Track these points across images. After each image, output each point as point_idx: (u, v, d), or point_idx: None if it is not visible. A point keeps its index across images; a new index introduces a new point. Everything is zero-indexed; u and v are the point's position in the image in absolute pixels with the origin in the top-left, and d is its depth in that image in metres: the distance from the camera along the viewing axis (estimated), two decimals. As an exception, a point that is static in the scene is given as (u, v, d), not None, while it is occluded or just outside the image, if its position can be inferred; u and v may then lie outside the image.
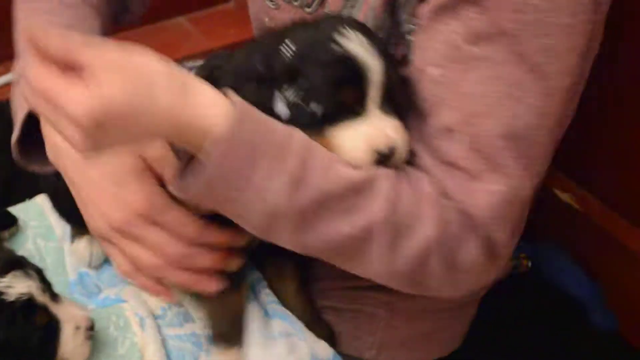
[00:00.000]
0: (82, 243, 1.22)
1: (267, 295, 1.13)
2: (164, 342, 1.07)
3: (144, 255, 1.01)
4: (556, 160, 1.18)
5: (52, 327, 1.01)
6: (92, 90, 0.74)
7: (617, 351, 1.62)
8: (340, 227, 0.90)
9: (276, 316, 1.10)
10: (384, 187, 0.91)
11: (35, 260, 1.15)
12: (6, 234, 1.23)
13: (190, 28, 1.99)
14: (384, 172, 0.92)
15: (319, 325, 1.16)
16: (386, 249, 0.91)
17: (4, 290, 0.97)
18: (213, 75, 0.94)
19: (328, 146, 0.91)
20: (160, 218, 0.98)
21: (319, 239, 0.91)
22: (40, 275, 1.02)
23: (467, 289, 1.00)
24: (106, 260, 1.20)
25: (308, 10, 1.10)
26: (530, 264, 1.67)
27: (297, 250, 0.94)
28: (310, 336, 1.12)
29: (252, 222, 0.90)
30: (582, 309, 1.68)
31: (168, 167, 0.91)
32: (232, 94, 0.87)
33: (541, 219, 1.50)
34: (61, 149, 1.03)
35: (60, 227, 1.25)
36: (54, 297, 1.03)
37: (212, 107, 0.85)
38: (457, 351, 1.29)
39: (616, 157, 1.58)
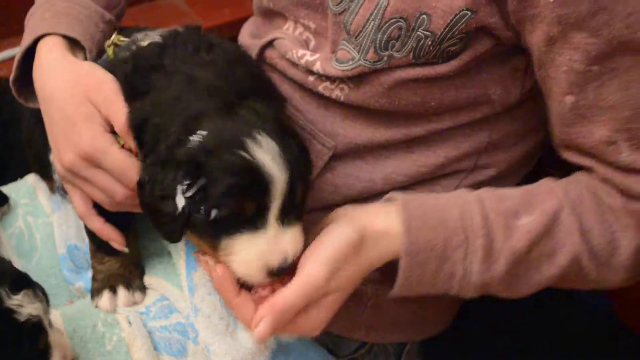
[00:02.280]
0: None
1: None
2: (151, 335, 1.07)
3: (97, 194, 1.03)
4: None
5: (45, 352, 0.98)
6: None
7: (608, 327, 1.62)
8: (550, 271, 0.98)
9: None
10: (570, 220, 0.97)
11: (25, 237, 1.16)
12: (-2, 213, 1.24)
13: (185, 8, 1.98)
14: (563, 203, 0.98)
15: None
16: (599, 269, 0.99)
17: (16, 309, 0.94)
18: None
19: (221, 259, 0.92)
20: (103, 161, 0.99)
21: (533, 285, 1.00)
22: (44, 294, 1.00)
23: None
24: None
25: None
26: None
27: (517, 297, 1.02)
28: None
29: (468, 296, 1.00)
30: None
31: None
32: (398, 202, 0.96)
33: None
34: (45, 96, 1.06)
35: (50, 204, 1.26)
36: (50, 324, 1.01)
37: (387, 234, 0.95)
38: (448, 331, 1.29)
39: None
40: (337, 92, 1.08)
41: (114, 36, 1.08)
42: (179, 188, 0.87)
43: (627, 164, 0.97)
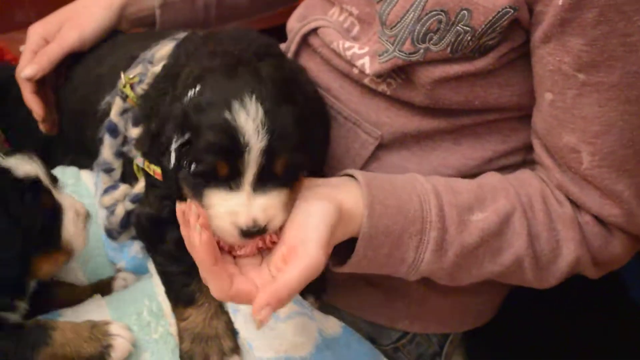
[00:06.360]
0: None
1: None
2: None
3: None
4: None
5: (55, 211, 1.04)
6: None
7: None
8: (491, 267, 1.01)
9: None
10: (521, 223, 0.99)
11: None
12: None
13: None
14: (517, 206, 1.00)
15: None
16: (537, 273, 1.04)
17: (12, 167, 1.00)
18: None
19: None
20: None
21: (473, 278, 1.03)
22: (44, 164, 1.05)
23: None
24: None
25: None
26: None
27: (454, 285, 1.05)
28: (319, 314, 1.11)
29: (410, 279, 1.03)
30: (622, 284, 1.65)
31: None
32: (361, 182, 0.96)
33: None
34: None
35: (94, 186, 1.26)
36: (55, 185, 1.06)
37: (353, 215, 0.94)
38: (491, 323, 1.28)
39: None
40: (383, 87, 1.07)
41: (123, 77, 1.09)
42: (173, 142, 0.90)
43: (585, 176, 0.99)
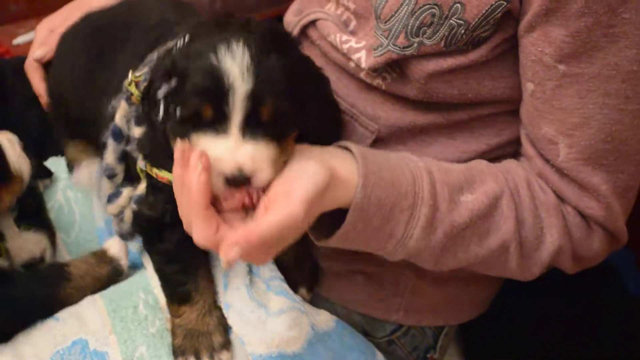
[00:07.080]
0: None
1: (270, 271, 1.12)
2: None
3: None
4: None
5: None
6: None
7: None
8: (477, 250, 1.01)
9: (279, 293, 1.09)
10: (509, 207, 0.99)
11: (65, 210, 1.17)
12: (41, 185, 1.26)
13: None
14: (505, 190, 1.00)
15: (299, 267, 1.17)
16: (521, 260, 1.02)
17: None
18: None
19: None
20: None
21: (458, 262, 1.02)
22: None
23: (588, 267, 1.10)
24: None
25: None
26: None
27: (437, 270, 1.03)
28: (311, 308, 1.11)
29: (394, 259, 1.01)
30: (616, 276, 1.65)
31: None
32: (355, 154, 0.95)
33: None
34: None
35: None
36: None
37: (346, 183, 0.93)
38: (486, 315, 1.28)
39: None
40: (379, 81, 1.07)
41: (130, 75, 1.08)
42: (160, 90, 0.91)
43: (562, 169, 1.00)
